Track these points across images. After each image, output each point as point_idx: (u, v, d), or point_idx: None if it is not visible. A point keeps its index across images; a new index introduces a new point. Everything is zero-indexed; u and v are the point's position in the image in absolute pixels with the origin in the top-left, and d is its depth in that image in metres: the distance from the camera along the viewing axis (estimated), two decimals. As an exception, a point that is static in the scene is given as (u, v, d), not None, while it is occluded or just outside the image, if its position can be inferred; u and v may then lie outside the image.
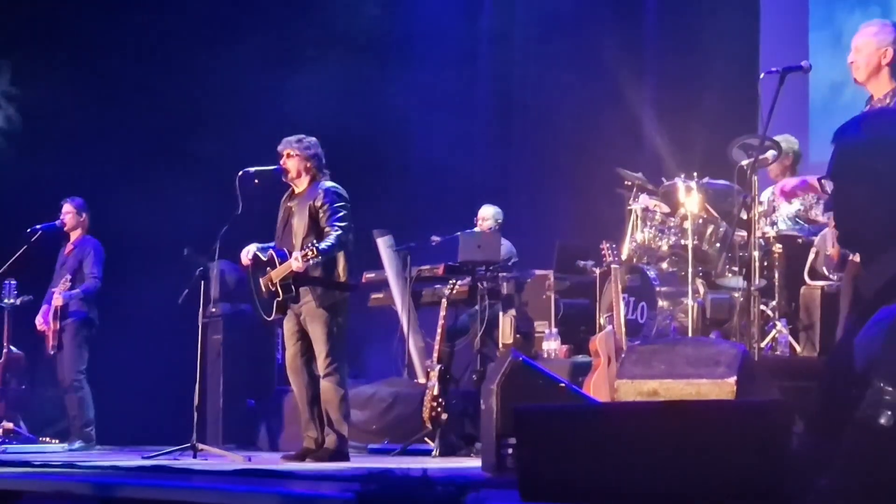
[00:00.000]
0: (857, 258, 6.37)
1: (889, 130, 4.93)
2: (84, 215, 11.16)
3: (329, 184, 8.84)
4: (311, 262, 8.42)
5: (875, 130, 5.39)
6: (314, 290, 8.65)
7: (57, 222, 11.16)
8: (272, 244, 8.90)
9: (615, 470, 4.64)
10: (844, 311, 6.53)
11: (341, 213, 8.68)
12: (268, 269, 8.76)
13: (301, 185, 8.91)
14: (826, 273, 9.15)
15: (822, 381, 5.92)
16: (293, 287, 8.65)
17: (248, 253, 8.89)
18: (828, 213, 6.80)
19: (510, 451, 6.48)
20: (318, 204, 8.69)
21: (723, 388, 6.95)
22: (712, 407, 5.13)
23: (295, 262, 8.44)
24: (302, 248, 8.42)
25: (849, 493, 3.85)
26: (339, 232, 8.59)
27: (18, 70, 12.98)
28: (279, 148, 8.94)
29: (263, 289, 8.81)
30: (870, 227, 5.81)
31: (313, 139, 8.97)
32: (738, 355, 7.13)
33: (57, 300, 10.76)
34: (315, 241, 8.44)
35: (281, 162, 8.91)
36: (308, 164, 8.88)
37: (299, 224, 8.73)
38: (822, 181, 6.15)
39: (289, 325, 8.87)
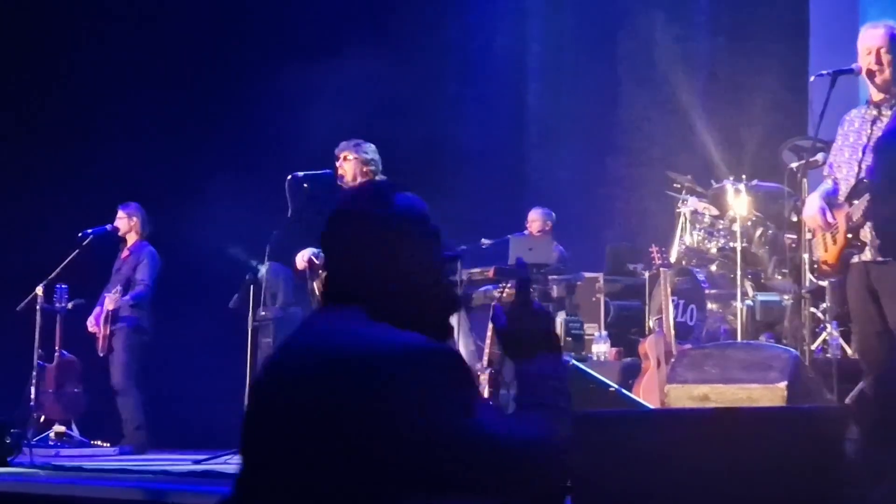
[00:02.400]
0: (862, 257, 6.32)
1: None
2: (135, 219, 11.15)
3: None
4: None
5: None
6: None
7: (108, 227, 11.19)
8: None
9: (668, 477, 4.63)
10: (859, 312, 6.46)
11: None
12: (321, 272, 8.75)
13: None
14: (815, 279, 9.11)
15: (878, 388, 5.90)
16: None
17: (303, 257, 8.87)
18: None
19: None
20: None
21: (774, 392, 6.92)
22: (767, 413, 5.11)
23: None
24: None
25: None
26: None
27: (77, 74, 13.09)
28: (336, 151, 8.88)
29: (317, 293, 8.81)
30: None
31: (371, 144, 8.91)
32: (789, 359, 7.11)
33: (108, 304, 10.80)
34: None
35: (337, 165, 8.86)
36: (365, 169, 8.82)
37: None
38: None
39: None
